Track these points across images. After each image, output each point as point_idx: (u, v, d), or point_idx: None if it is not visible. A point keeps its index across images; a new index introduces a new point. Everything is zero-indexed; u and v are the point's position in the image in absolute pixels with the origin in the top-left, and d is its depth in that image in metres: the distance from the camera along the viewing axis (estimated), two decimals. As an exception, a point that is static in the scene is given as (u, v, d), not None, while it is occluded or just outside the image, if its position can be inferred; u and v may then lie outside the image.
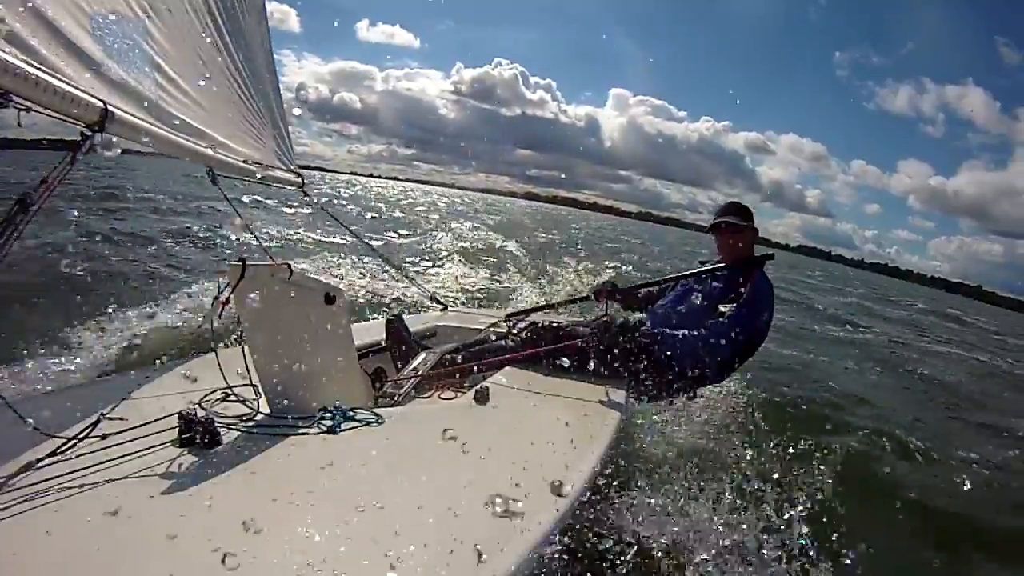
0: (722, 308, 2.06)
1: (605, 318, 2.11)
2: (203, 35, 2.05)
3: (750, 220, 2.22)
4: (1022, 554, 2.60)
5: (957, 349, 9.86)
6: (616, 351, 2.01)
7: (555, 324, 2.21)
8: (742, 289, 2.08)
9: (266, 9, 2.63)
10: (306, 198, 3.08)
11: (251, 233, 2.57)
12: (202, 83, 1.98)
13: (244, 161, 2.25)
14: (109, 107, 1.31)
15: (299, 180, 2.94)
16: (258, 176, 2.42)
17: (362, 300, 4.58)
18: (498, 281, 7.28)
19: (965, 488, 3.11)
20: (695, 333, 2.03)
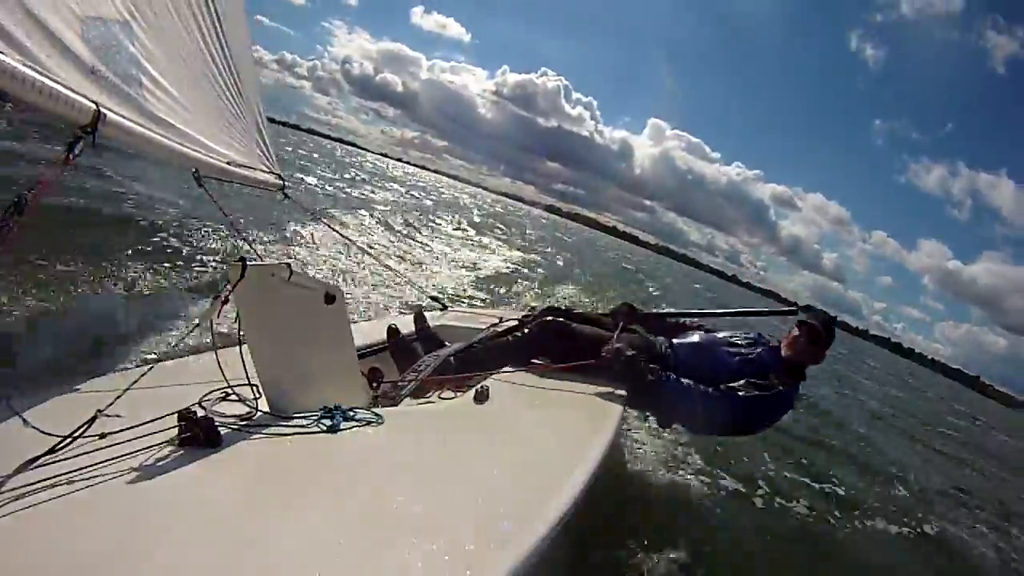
0: (748, 381, 1.99)
1: (619, 344, 2.00)
2: (186, 37, 2.04)
3: (830, 343, 2.14)
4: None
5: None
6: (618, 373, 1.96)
7: (564, 314, 2.18)
8: (776, 379, 2.01)
9: (244, 11, 2.62)
10: (285, 201, 3.06)
11: (243, 237, 2.53)
12: (186, 85, 1.97)
13: (228, 163, 2.24)
14: (101, 109, 1.31)
15: (280, 182, 2.93)
16: (241, 178, 2.41)
17: (361, 300, 4.53)
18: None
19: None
20: (707, 392, 1.95)
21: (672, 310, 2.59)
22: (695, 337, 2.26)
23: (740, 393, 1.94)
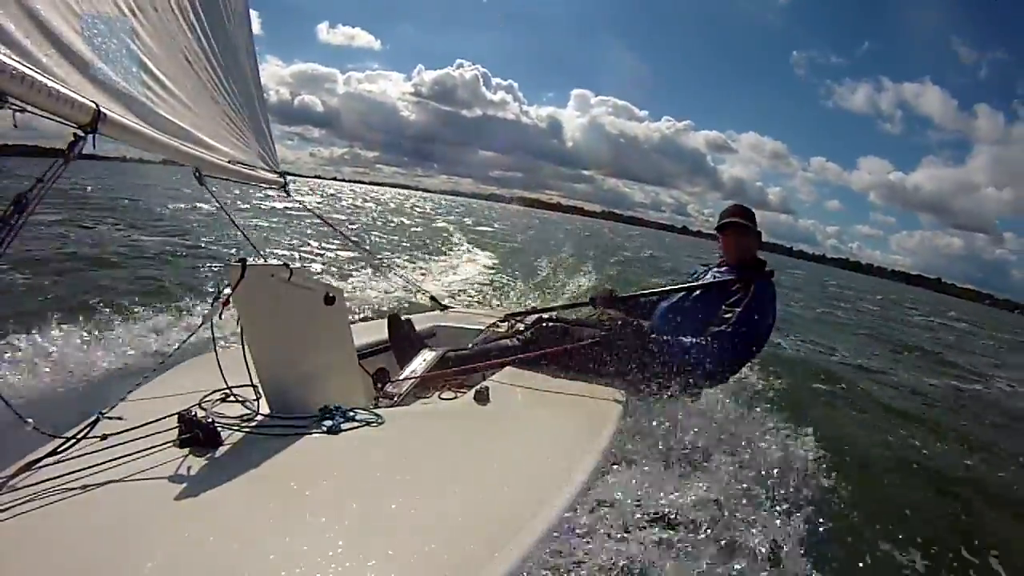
0: (724, 311, 2.07)
1: (619, 320, 2.13)
2: (187, 35, 2.02)
3: (754, 224, 2.27)
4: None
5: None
6: (625, 351, 2.03)
7: (559, 322, 2.24)
8: (741, 284, 2.11)
9: (249, 11, 2.61)
10: (288, 199, 3.06)
11: (244, 236, 2.53)
12: (187, 83, 1.96)
13: (229, 161, 2.23)
14: (101, 108, 1.30)
15: (281, 181, 2.92)
16: (242, 176, 2.40)
17: (362, 301, 4.55)
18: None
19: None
20: (702, 341, 2.03)
21: (645, 291, 2.67)
22: (662, 306, 2.38)
23: (725, 328, 2.03)
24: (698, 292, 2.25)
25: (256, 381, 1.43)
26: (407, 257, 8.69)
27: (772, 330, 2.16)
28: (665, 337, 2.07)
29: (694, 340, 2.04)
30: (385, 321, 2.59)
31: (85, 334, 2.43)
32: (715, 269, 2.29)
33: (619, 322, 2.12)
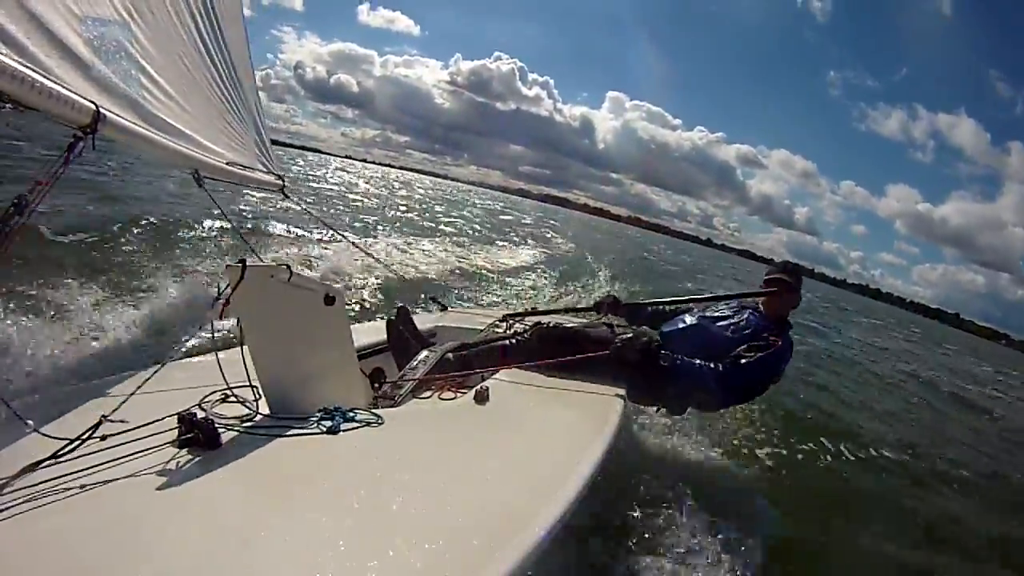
0: (747, 349, 2.06)
1: (629, 333, 2.09)
2: (185, 38, 2.03)
3: (800, 285, 2.26)
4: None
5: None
6: (630, 365, 2.01)
7: (561, 325, 2.22)
8: (771, 337, 2.08)
9: (244, 14, 2.62)
10: (285, 200, 3.06)
11: (243, 238, 2.53)
12: (185, 86, 1.96)
13: (227, 163, 2.24)
14: (101, 109, 1.31)
15: (279, 183, 2.93)
16: (240, 178, 2.41)
17: (362, 301, 4.54)
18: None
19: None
20: (715, 368, 2.01)
21: (654, 300, 2.65)
22: (685, 321, 2.32)
23: (743, 361, 2.02)
24: (725, 326, 2.21)
25: (256, 381, 1.43)
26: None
27: (780, 377, 2.18)
28: (676, 357, 2.05)
29: (706, 365, 2.02)
30: (377, 323, 2.59)
31: (86, 333, 2.41)
32: (752, 312, 2.24)
33: (629, 334, 2.09)
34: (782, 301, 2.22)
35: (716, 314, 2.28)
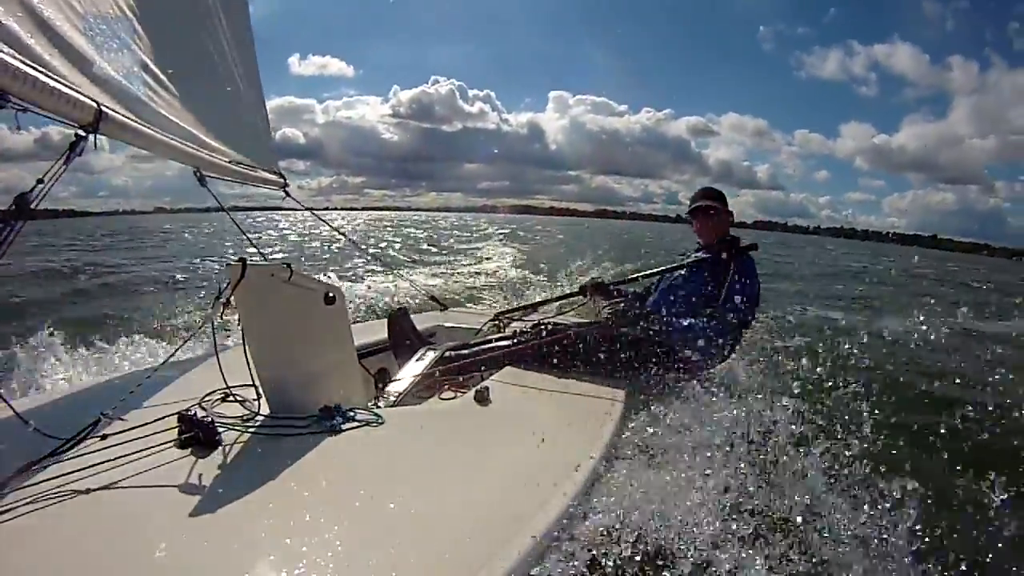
0: (712, 290, 2.17)
1: (620, 305, 2.20)
2: (188, 36, 2.03)
3: (725, 204, 2.38)
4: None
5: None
6: (626, 341, 2.06)
7: (558, 325, 2.23)
8: (728, 276, 2.18)
9: (249, 10, 2.61)
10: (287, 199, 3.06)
11: (247, 237, 2.53)
12: (188, 84, 1.96)
13: (229, 161, 2.23)
14: (103, 107, 1.31)
15: (281, 181, 2.92)
16: (243, 177, 2.40)
17: (362, 301, 4.55)
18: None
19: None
20: (699, 322, 2.10)
21: (631, 277, 2.70)
22: (652, 296, 2.46)
23: (720, 312, 2.11)
24: (683, 275, 2.35)
25: (256, 381, 1.43)
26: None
27: (759, 299, 2.25)
28: (665, 318, 2.15)
29: (691, 321, 2.12)
30: (378, 323, 2.59)
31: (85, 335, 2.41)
32: (695, 254, 2.39)
33: (622, 306, 2.19)
34: (708, 226, 2.35)
35: (673, 284, 2.40)
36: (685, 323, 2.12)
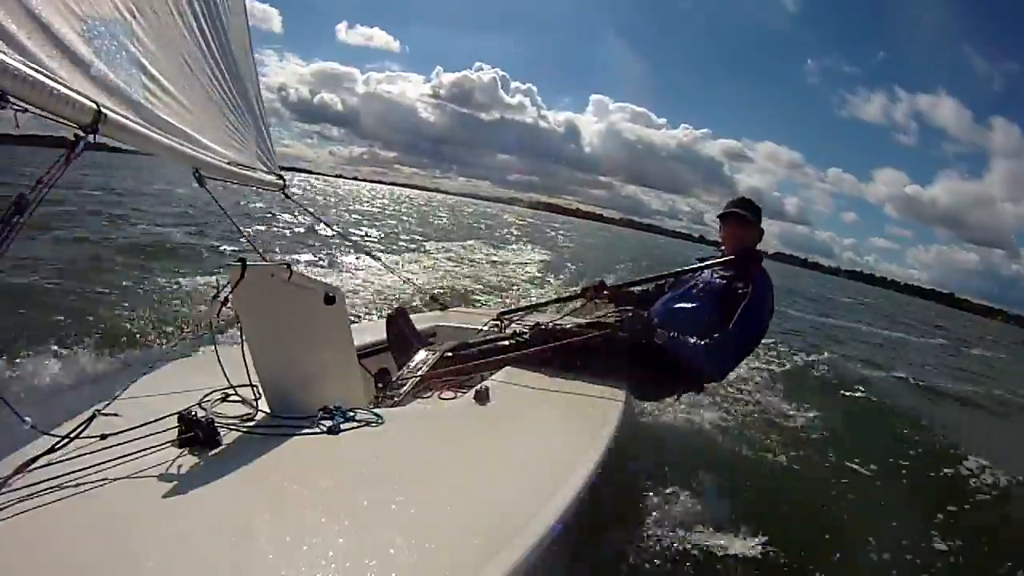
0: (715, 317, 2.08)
1: (624, 314, 2.15)
2: (187, 37, 2.03)
3: (759, 218, 2.26)
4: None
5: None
6: (629, 349, 2.03)
7: (558, 326, 2.22)
8: (738, 287, 2.10)
9: (247, 13, 2.62)
10: (286, 200, 3.06)
11: (245, 237, 2.53)
12: (186, 85, 1.96)
13: (228, 163, 2.24)
14: (102, 109, 1.31)
15: (280, 182, 2.93)
16: (241, 178, 2.41)
17: (362, 301, 4.54)
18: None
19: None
20: (707, 343, 2.03)
21: (636, 279, 2.66)
22: (664, 301, 2.35)
23: (731, 327, 2.03)
24: (694, 292, 2.25)
25: (256, 381, 1.43)
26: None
27: (770, 318, 2.18)
28: (671, 333, 2.07)
29: (698, 341, 2.04)
30: (379, 323, 2.59)
31: (85, 334, 2.41)
32: (709, 268, 2.29)
33: (629, 313, 2.14)
34: (736, 235, 2.23)
35: (686, 286, 2.32)
36: (691, 341, 2.05)
